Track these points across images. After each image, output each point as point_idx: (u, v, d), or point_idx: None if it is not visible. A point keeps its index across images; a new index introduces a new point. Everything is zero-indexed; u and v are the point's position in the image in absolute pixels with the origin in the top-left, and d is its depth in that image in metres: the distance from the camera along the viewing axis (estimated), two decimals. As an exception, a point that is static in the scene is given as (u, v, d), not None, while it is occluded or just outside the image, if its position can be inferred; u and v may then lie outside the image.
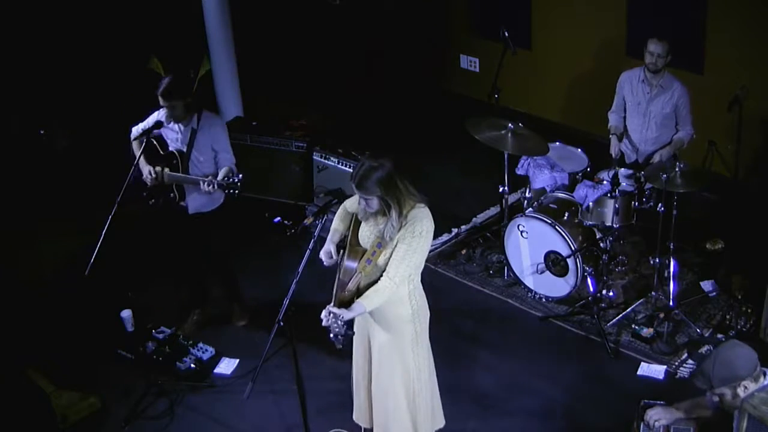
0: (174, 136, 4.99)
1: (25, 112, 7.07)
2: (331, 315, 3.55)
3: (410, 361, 3.93)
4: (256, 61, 7.56)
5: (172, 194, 5.01)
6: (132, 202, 5.03)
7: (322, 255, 3.94)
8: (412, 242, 3.65)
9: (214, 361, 5.21)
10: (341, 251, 3.90)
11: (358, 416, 4.33)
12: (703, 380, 3.34)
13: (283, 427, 4.70)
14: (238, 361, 5.21)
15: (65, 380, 4.91)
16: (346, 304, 3.70)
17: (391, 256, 3.68)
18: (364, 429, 4.35)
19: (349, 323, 3.66)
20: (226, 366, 5.19)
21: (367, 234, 3.80)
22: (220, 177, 4.84)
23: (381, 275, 3.71)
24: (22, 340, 5.35)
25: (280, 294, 4.03)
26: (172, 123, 4.95)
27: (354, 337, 4.05)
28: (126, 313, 5.40)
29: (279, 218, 6.42)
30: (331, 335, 3.59)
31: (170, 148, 5.00)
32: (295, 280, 3.92)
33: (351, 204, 4.03)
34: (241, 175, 4.76)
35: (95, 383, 4.99)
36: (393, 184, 3.60)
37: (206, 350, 5.23)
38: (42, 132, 7.14)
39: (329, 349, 5.22)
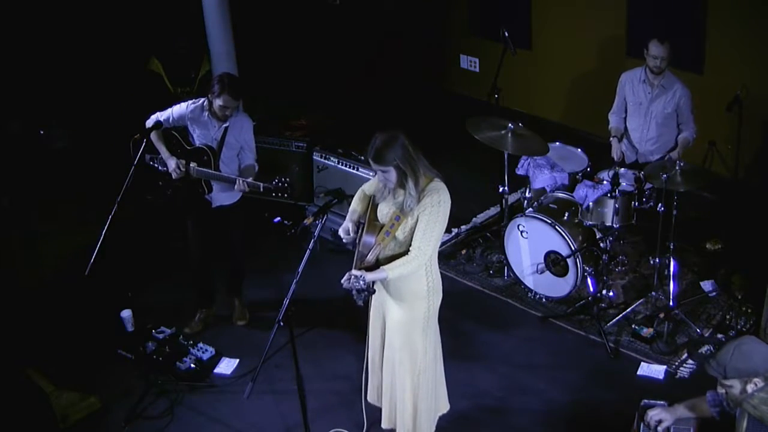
0: (208, 133, 5.01)
1: (25, 112, 7.07)
2: (353, 277, 3.71)
3: (419, 338, 4.02)
4: (256, 61, 7.55)
5: (200, 189, 5.05)
6: (149, 193, 5.09)
7: (341, 232, 4.04)
8: (432, 212, 3.76)
9: (214, 361, 5.21)
10: (360, 228, 4.00)
11: (373, 396, 4.45)
12: (717, 368, 3.32)
13: (283, 427, 4.70)
14: (238, 361, 5.21)
15: (65, 380, 4.91)
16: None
17: (409, 230, 3.79)
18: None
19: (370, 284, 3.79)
20: (226, 366, 5.19)
21: (385, 210, 3.91)
22: (248, 176, 4.95)
23: (400, 250, 3.83)
24: (22, 340, 5.35)
25: (280, 294, 4.03)
26: (207, 118, 4.98)
27: (371, 317, 4.21)
28: (126, 313, 5.39)
29: (279, 218, 6.41)
30: (354, 292, 3.73)
31: (197, 143, 5.02)
32: (295, 280, 3.93)
33: (368, 187, 4.15)
34: (288, 178, 4.83)
35: (95, 383, 4.99)
36: (408, 153, 3.72)
37: (206, 350, 5.23)
38: (42, 132, 7.14)
39: (329, 350, 5.27)
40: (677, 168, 5.04)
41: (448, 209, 3.83)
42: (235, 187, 4.89)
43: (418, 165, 3.75)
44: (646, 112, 5.77)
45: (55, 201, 6.72)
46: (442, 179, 3.86)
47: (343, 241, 4.05)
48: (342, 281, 3.75)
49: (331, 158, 6.39)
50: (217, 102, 4.87)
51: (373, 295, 4.04)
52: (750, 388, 3.25)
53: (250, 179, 4.90)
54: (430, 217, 3.76)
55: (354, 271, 3.76)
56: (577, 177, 5.65)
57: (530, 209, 5.62)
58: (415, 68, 8.63)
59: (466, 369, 5.04)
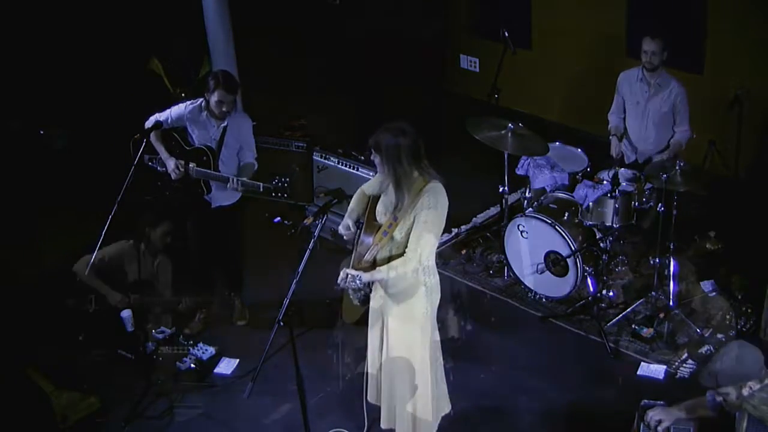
0: (207, 133, 5.01)
1: (25, 112, 7.06)
2: (349, 276, 3.73)
3: (418, 339, 4.02)
4: (256, 61, 7.56)
5: (200, 189, 5.06)
6: (148, 193, 5.10)
7: (341, 228, 4.07)
8: (428, 213, 3.76)
9: (214, 361, 5.21)
10: (358, 227, 4.02)
11: (373, 396, 4.44)
12: (709, 378, 3.33)
13: (283, 427, 4.70)
14: (238, 361, 5.21)
15: (65, 380, 4.90)
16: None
17: (407, 231, 3.79)
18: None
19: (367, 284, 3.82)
20: (226, 366, 5.19)
21: (382, 210, 3.92)
22: (246, 176, 4.93)
23: (398, 251, 3.83)
24: (22, 340, 5.34)
25: (280, 294, 4.03)
26: (205, 118, 4.97)
27: (370, 318, 4.21)
28: (126, 313, 5.39)
29: (279, 218, 6.42)
30: (350, 291, 3.76)
31: (196, 144, 5.02)
32: (295, 280, 3.92)
33: (368, 187, 4.16)
34: (287, 179, 4.82)
35: (95, 383, 4.98)
36: (396, 156, 3.72)
37: (206, 350, 5.23)
38: (42, 132, 7.14)
39: (329, 350, 5.27)
40: (677, 168, 5.04)
41: (445, 211, 3.83)
42: (228, 185, 4.88)
43: (403, 171, 3.74)
44: (644, 111, 5.77)
45: (55, 201, 6.71)
46: (441, 181, 3.85)
47: (344, 238, 4.07)
48: (338, 280, 3.76)
49: (331, 158, 6.39)
50: (213, 98, 4.86)
51: (373, 296, 4.04)
52: (746, 391, 3.25)
53: (246, 179, 4.89)
54: (427, 219, 3.76)
55: (350, 270, 3.77)
56: (577, 177, 5.65)
57: (530, 209, 5.62)
58: (415, 68, 8.62)
59: (466, 369, 5.03)
